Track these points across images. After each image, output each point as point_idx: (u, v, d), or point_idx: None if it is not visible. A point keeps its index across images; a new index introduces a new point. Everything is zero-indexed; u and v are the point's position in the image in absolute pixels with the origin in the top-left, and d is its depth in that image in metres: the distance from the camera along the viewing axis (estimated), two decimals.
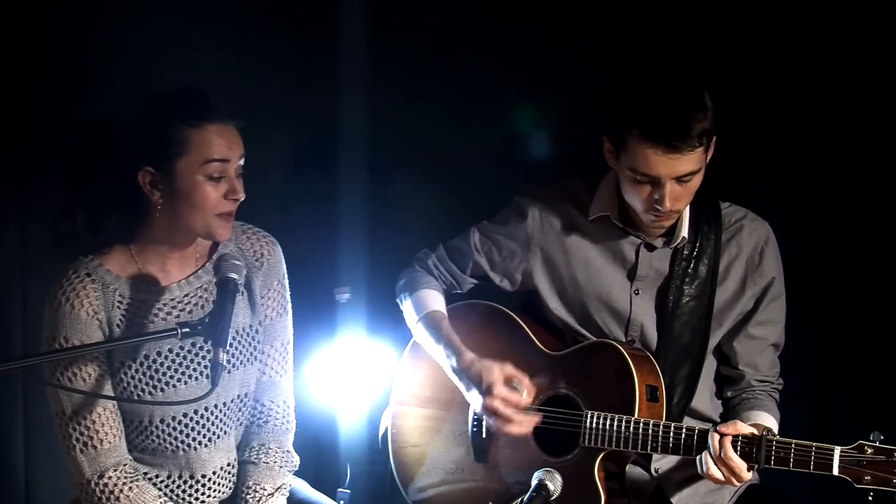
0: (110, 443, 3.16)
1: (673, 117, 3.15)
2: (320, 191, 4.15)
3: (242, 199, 3.11)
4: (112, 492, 3.15)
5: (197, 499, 3.27)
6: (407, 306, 3.54)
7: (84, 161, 3.20)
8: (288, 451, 3.36)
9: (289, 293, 3.38)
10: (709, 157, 3.25)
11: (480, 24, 4.11)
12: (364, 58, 4.12)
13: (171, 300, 3.20)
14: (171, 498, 3.24)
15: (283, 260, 3.36)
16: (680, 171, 3.18)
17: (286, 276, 3.37)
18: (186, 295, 3.21)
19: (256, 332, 3.30)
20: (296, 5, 4.14)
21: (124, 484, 3.16)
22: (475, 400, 3.32)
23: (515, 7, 4.09)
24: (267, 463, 3.31)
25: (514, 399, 3.28)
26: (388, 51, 4.13)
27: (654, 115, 3.15)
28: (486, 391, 3.28)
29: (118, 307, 3.16)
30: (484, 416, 3.36)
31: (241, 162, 3.13)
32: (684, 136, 3.14)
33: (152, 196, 3.10)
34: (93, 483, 3.15)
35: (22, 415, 4.03)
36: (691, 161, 3.18)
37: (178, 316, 3.18)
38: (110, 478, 3.15)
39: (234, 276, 3.05)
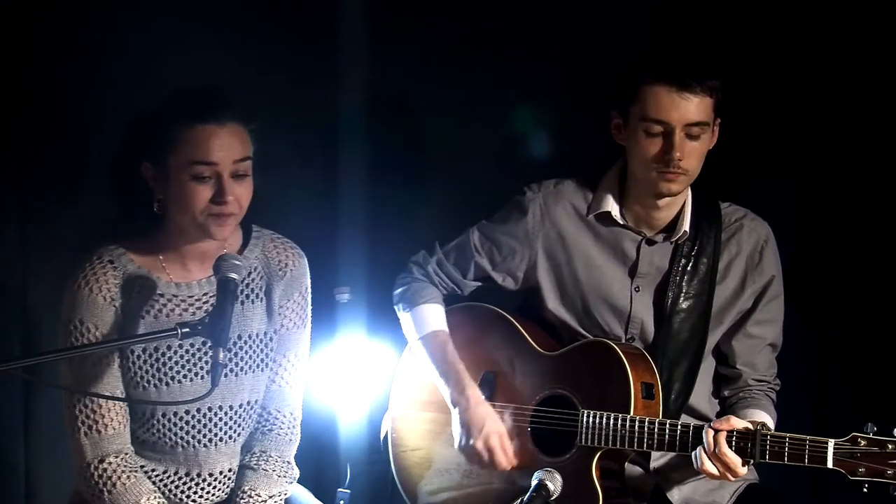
0: (114, 429, 3.18)
1: (685, 57, 3.25)
2: (320, 191, 4.15)
3: (229, 201, 3.10)
4: (110, 477, 3.17)
5: (190, 497, 3.28)
6: (406, 319, 3.54)
7: (109, 151, 3.27)
8: (288, 462, 3.36)
9: (310, 307, 3.39)
10: (715, 134, 3.29)
11: (480, 24, 4.11)
12: (364, 58, 4.11)
13: (190, 297, 3.22)
14: (166, 494, 3.25)
15: (308, 273, 3.38)
16: (690, 116, 3.21)
17: (309, 289, 3.39)
18: (206, 294, 3.23)
19: (271, 339, 3.31)
20: (296, 5, 4.14)
21: (122, 472, 3.17)
22: (462, 435, 3.37)
23: (515, 7, 4.09)
24: (265, 470, 3.31)
25: (499, 457, 3.34)
26: (388, 51, 4.12)
27: (666, 55, 3.25)
28: (485, 437, 3.34)
29: (136, 297, 3.18)
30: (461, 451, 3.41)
31: (244, 164, 3.13)
32: (696, 74, 3.21)
33: (154, 190, 3.15)
34: (93, 467, 3.17)
35: (22, 415, 4.04)
36: (701, 108, 3.22)
37: (193, 314, 3.20)
38: (110, 463, 3.17)
39: (233, 275, 3.06)
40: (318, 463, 3.95)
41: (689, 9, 3.97)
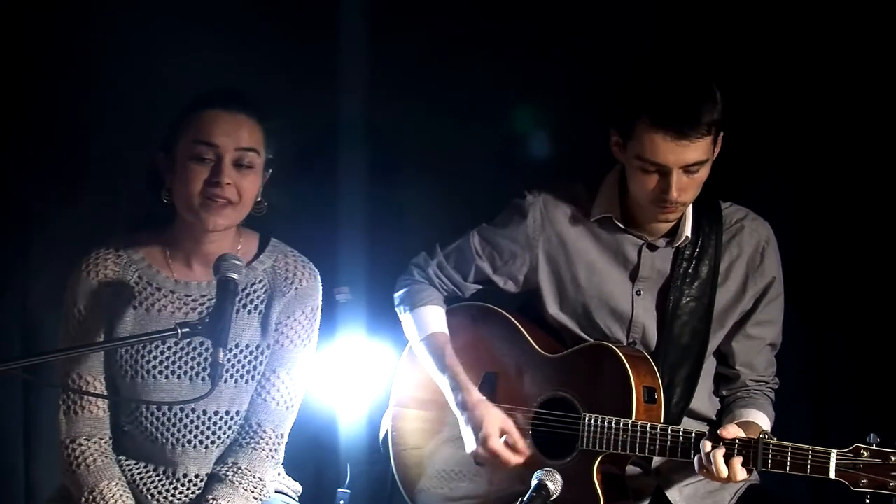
0: (91, 412, 3.23)
1: (682, 104, 3.17)
2: (320, 191, 4.15)
3: (225, 185, 3.12)
4: (77, 458, 3.21)
5: (153, 494, 3.27)
6: (407, 321, 3.54)
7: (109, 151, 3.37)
8: (259, 479, 3.28)
9: (317, 327, 3.38)
10: (716, 152, 3.26)
11: (480, 24, 4.11)
12: (364, 58, 4.11)
13: (187, 295, 3.24)
14: (135, 486, 3.26)
15: (319, 293, 3.37)
16: (688, 159, 3.18)
17: (318, 310, 3.37)
18: (204, 296, 3.24)
19: (262, 352, 3.29)
20: (296, 5, 4.14)
21: (90, 455, 3.22)
22: (469, 439, 3.36)
23: (515, 7, 4.08)
24: (232, 482, 3.25)
25: (504, 457, 3.32)
26: (388, 51, 4.12)
27: (663, 101, 3.17)
28: (482, 441, 3.32)
29: (133, 287, 3.22)
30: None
31: (248, 154, 3.16)
32: (693, 122, 3.16)
33: (165, 179, 3.19)
34: (64, 445, 3.24)
35: (22, 415, 4.04)
36: (699, 150, 3.18)
37: (186, 314, 3.22)
38: (80, 444, 3.22)
39: (233, 276, 3.05)
40: (318, 463, 3.96)
41: (690, 9, 3.96)
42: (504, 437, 3.34)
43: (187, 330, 2.93)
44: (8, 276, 4.02)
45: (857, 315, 3.87)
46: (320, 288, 3.37)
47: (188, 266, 3.26)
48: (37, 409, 4.03)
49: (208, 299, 3.22)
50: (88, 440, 3.22)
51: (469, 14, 4.12)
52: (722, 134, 3.26)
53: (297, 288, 3.31)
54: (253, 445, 3.28)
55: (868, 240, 3.84)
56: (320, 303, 3.38)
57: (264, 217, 3.32)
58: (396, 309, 3.58)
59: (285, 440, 3.35)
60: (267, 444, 3.29)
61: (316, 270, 3.37)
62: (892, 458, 2.94)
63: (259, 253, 3.31)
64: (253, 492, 3.27)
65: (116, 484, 3.21)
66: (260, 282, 3.29)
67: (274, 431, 3.30)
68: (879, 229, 3.82)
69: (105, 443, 3.25)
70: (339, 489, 3.88)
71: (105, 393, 3.24)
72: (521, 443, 3.34)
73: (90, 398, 3.22)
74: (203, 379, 3.21)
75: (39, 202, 4.01)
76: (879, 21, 3.77)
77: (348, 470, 3.91)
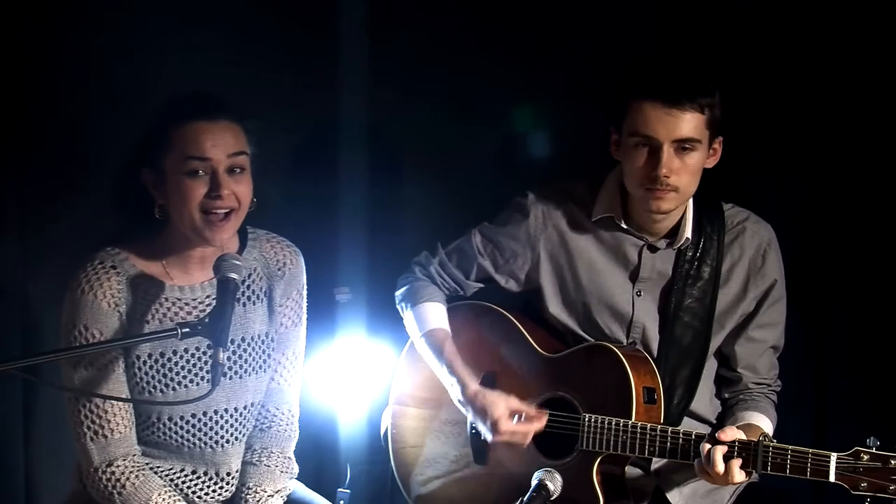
0: (121, 433, 3.19)
1: (673, 74, 3.23)
2: (320, 191, 4.15)
3: (224, 195, 3.10)
4: (118, 480, 3.18)
5: (199, 495, 3.29)
6: (409, 318, 3.54)
7: (108, 152, 3.34)
8: (289, 457, 3.39)
9: (306, 304, 3.41)
10: (715, 155, 3.28)
11: (480, 24, 4.11)
12: (364, 58, 4.11)
13: (193, 299, 3.23)
14: (178, 490, 3.26)
15: (305, 270, 3.39)
16: (679, 132, 3.19)
17: (305, 286, 3.40)
18: (208, 296, 3.23)
19: (272, 340, 3.32)
20: (295, 5, 4.14)
21: (131, 472, 3.19)
22: (482, 429, 3.35)
23: (516, 7, 4.09)
24: (268, 466, 3.34)
25: (522, 431, 3.30)
26: (388, 51, 4.12)
27: (654, 73, 3.24)
28: (493, 428, 3.31)
29: (140, 302, 3.18)
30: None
31: (239, 158, 3.14)
32: (684, 90, 3.19)
33: (154, 196, 3.15)
34: (100, 471, 3.18)
35: (22, 415, 4.04)
36: (691, 124, 3.20)
37: (197, 317, 3.20)
38: (118, 466, 3.18)
39: (233, 275, 3.06)
40: (318, 463, 3.96)
41: (690, 9, 3.96)
42: (515, 417, 3.31)
43: (187, 330, 2.94)
44: (8, 276, 4.02)
45: (858, 318, 3.87)
46: (304, 264, 3.39)
47: (186, 271, 3.24)
48: (37, 409, 4.03)
49: (213, 298, 3.21)
50: (125, 460, 3.19)
51: (469, 14, 4.12)
52: (721, 138, 3.27)
53: (290, 269, 3.34)
54: (275, 428, 3.37)
55: (868, 241, 3.84)
56: (306, 279, 3.40)
57: (265, 216, 3.31)
58: (398, 307, 3.59)
59: (298, 416, 3.43)
60: (287, 423, 3.39)
61: (296, 247, 3.39)
62: (892, 462, 2.94)
63: (243, 244, 3.31)
64: (286, 472, 3.37)
65: (167, 491, 3.21)
66: (255, 271, 3.30)
67: (289, 411, 3.40)
68: (880, 230, 3.82)
69: (138, 457, 3.22)
70: (339, 489, 3.89)
71: (130, 415, 3.20)
72: (533, 410, 3.32)
73: (116, 420, 3.17)
74: (231, 378, 3.25)
75: (39, 202, 4.00)
76: (880, 21, 3.77)
77: (348, 470, 3.91)
